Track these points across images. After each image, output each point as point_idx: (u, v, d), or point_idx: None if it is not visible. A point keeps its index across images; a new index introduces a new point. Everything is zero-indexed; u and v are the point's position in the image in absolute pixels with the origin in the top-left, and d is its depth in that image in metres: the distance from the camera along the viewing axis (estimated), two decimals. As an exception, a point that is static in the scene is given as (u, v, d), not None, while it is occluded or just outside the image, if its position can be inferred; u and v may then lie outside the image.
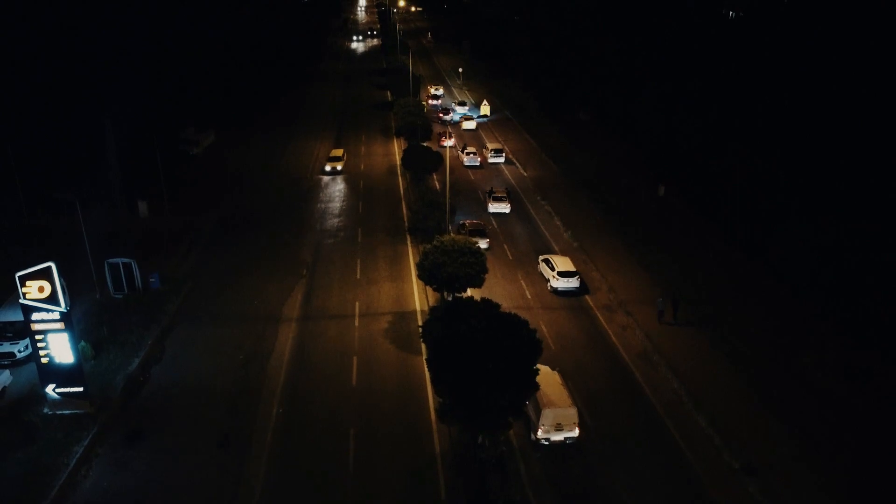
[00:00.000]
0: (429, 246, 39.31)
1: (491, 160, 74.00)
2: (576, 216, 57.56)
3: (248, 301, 43.60)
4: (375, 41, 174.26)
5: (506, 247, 51.71)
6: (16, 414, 31.81)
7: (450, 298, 39.66)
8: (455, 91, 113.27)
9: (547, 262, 46.25)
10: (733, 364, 36.28)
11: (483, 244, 47.02)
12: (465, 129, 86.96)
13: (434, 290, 40.60)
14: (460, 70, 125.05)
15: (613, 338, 39.38)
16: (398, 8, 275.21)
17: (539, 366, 27.85)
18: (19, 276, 29.17)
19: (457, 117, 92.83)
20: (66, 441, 29.69)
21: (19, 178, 53.52)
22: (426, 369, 35.66)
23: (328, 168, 71.25)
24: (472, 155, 72.62)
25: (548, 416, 29.65)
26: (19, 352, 35.66)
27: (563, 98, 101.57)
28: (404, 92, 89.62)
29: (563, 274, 44.48)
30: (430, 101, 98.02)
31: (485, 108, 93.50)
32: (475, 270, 37.89)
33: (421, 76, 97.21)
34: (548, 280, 45.58)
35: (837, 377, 34.92)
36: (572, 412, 29.94)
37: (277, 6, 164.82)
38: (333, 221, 57.43)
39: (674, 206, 60.24)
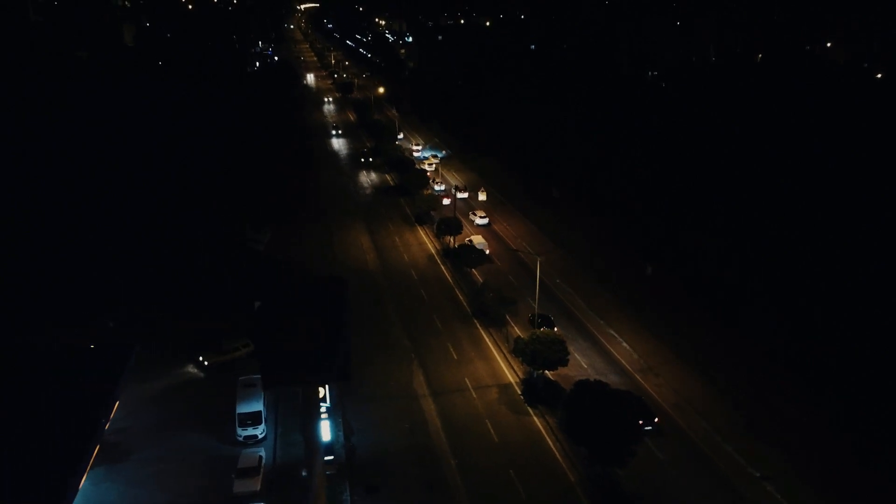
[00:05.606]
0: (525, 338, 56.35)
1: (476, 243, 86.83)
2: (592, 297, 75.68)
3: (384, 383, 59.28)
4: (371, 174, 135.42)
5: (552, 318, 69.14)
6: (284, 477, 46.55)
7: (540, 372, 56.96)
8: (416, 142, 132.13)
9: (474, 212, 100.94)
10: (737, 409, 54.82)
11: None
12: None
13: (532, 369, 57.51)
14: (444, 152, 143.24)
15: (656, 396, 57.31)
16: (343, 71, 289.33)
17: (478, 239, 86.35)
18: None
19: (425, 155, 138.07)
20: (334, 493, 44.88)
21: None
22: (539, 426, 52.90)
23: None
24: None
25: (474, 241, 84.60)
26: (258, 435, 50.22)
27: (535, 176, 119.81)
28: (420, 185, 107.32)
29: (481, 217, 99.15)
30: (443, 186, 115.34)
31: (482, 195, 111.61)
32: (562, 355, 55.25)
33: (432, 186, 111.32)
34: (473, 220, 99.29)
35: (804, 411, 53.88)
36: (485, 242, 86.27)
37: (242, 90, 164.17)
38: (407, 312, 73.54)
39: (662, 283, 79.25)
